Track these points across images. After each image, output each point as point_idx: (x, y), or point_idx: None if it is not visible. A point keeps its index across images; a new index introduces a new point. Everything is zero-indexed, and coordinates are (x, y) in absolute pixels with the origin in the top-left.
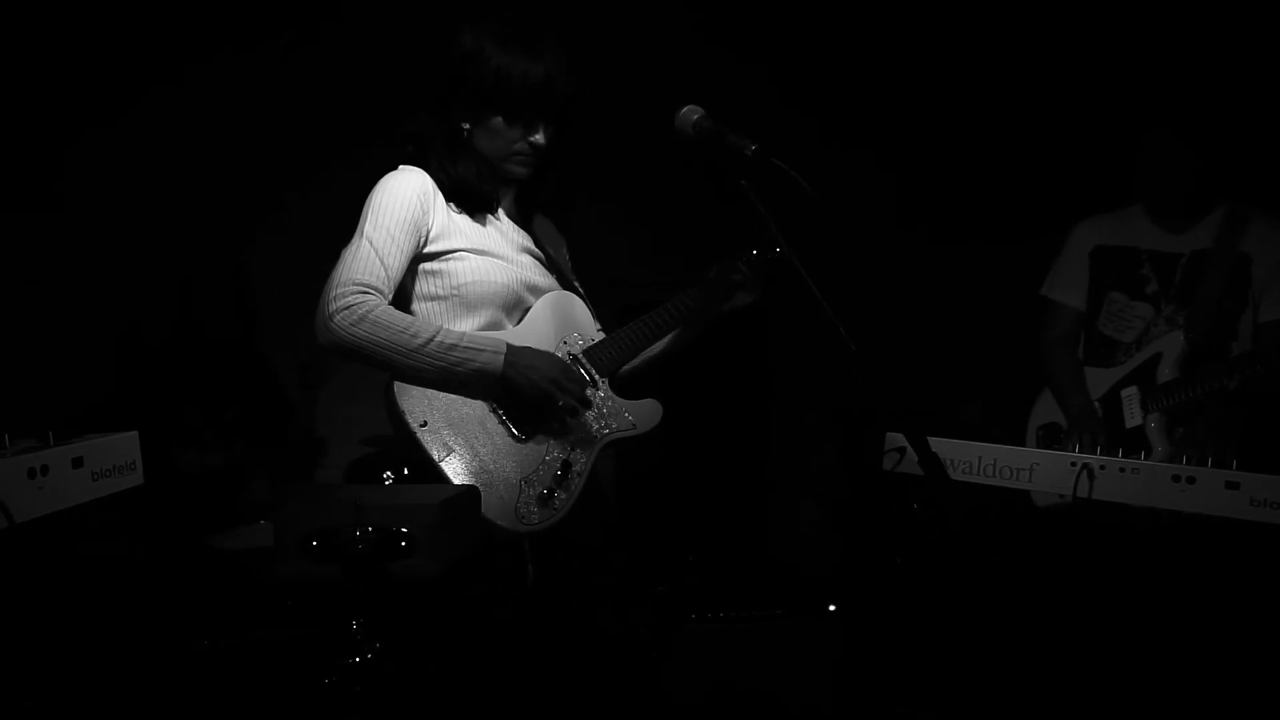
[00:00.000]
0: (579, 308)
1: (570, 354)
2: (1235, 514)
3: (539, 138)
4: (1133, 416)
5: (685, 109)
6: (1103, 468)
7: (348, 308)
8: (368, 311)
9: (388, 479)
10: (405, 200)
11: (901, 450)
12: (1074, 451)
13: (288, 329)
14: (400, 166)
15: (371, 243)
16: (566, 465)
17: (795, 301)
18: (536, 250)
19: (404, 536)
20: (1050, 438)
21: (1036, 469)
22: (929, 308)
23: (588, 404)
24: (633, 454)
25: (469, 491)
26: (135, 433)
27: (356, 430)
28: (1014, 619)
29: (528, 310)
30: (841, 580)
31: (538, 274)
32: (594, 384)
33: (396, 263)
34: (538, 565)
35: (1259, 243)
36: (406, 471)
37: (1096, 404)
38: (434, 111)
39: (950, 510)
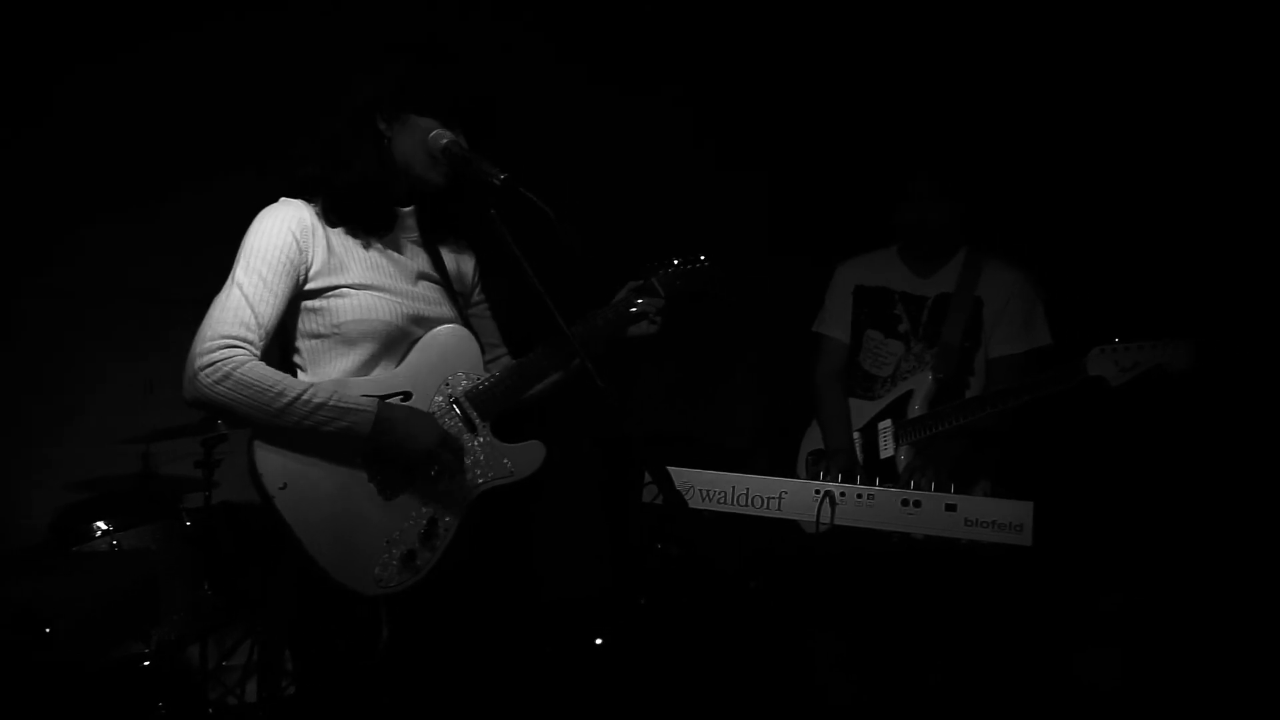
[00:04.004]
0: (465, 343)
1: (452, 396)
2: (954, 533)
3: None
4: (886, 448)
5: (434, 132)
6: (843, 494)
7: (211, 365)
8: (233, 369)
9: (99, 531)
10: (279, 240)
11: None
12: (823, 479)
13: None
14: (280, 200)
15: (242, 289)
16: (433, 522)
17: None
18: (434, 274)
19: (44, 625)
20: (817, 462)
21: (785, 497)
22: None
23: (462, 465)
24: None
25: (145, 580)
26: None
27: (61, 472)
28: (778, 644)
29: (414, 344)
30: (607, 614)
31: (429, 305)
32: (474, 429)
33: (270, 310)
34: (393, 625)
35: (989, 286)
36: (111, 528)
37: (858, 434)
38: (351, 114)
39: (697, 541)
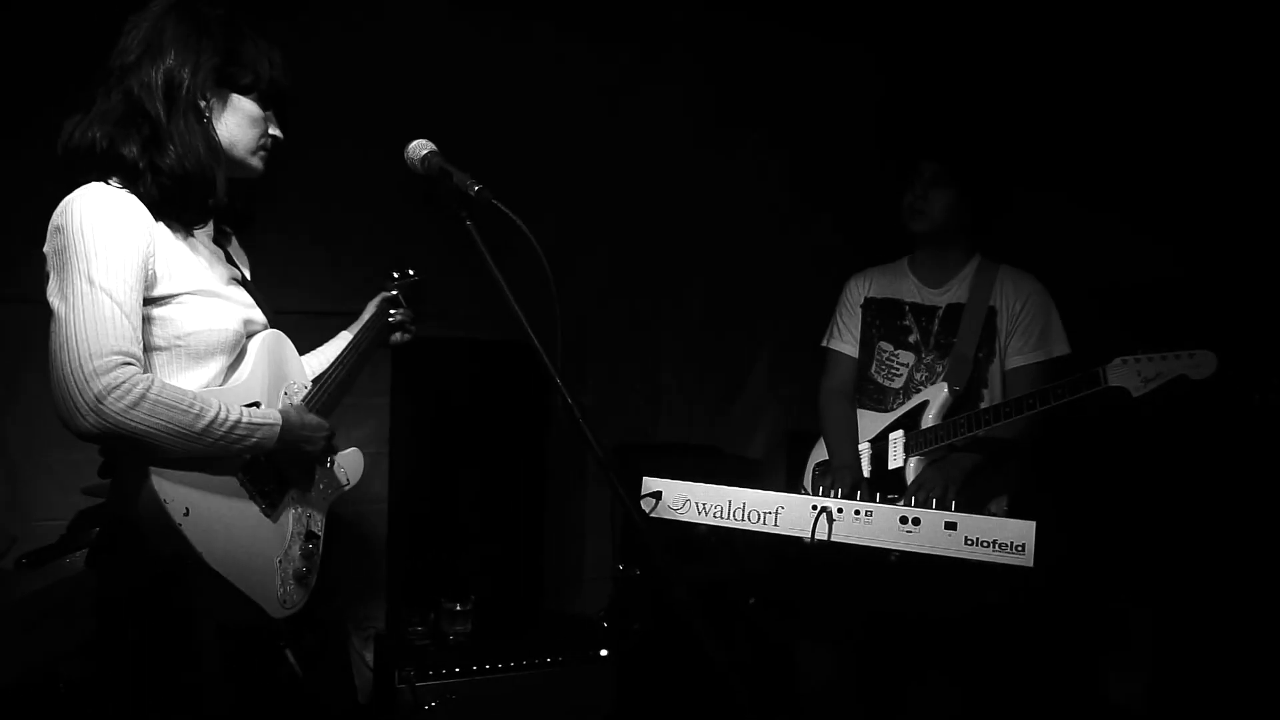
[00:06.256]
0: (291, 349)
1: (293, 405)
2: (954, 552)
3: (279, 131)
4: (895, 459)
5: (415, 143)
6: (840, 511)
7: (118, 387)
8: (146, 389)
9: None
10: (129, 232)
11: (657, 495)
12: (822, 494)
13: None
14: (94, 184)
15: (111, 294)
16: (311, 536)
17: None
18: (239, 275)
19: None
20: (824, 475)
21: (782, 512)
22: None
23: (329, 466)
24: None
25: (67, 584)
26: None
27: (87, 474)
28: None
29: (242, 352)
30: (616, 626)
31: (249, 309)
32: None
33: (139, 318)
34: (293, 647)
35: (1001, 295)
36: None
37: (868, 444)
38: (169, 95)
39: (670, 559)
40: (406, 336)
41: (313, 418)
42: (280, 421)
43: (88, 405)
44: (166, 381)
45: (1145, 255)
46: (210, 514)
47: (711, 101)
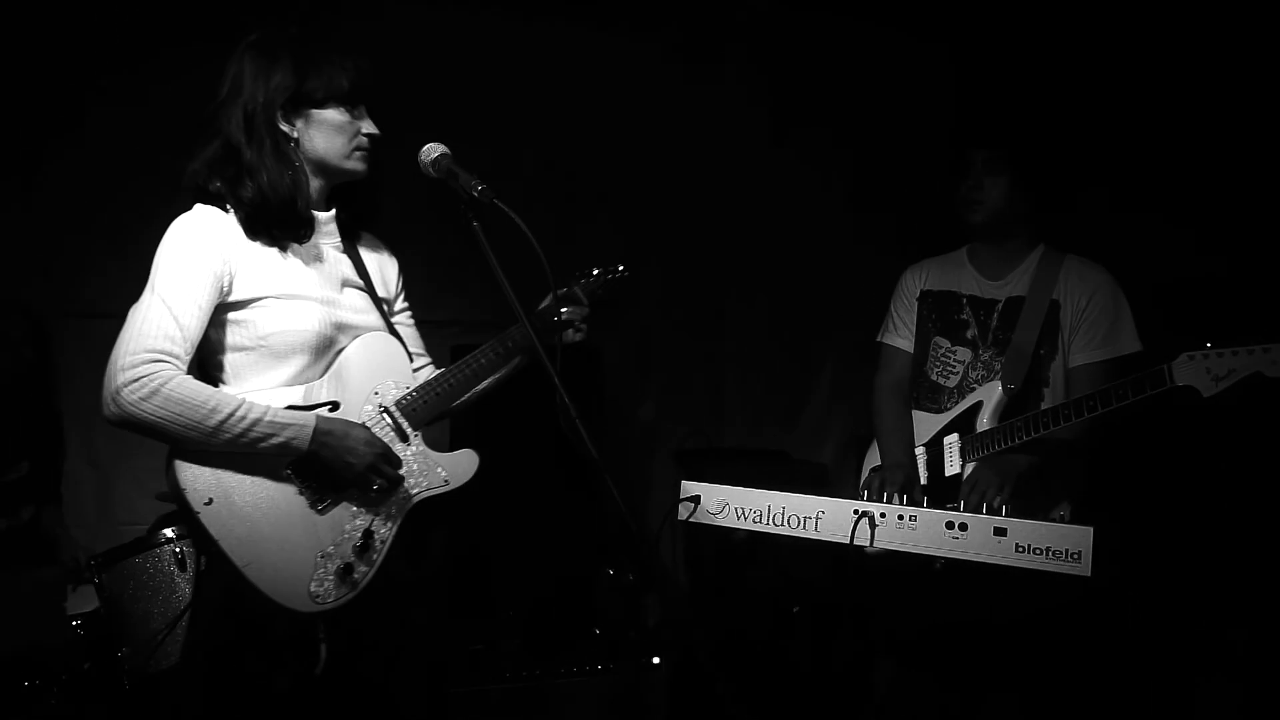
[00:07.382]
0: (393, 351)
1: (382, 405)
2: (1002, 559)
3: (373, 128)
4: (952, 464)
5: (427, 146)
6: (883, 515)
7: (137, 380)
8: (161, 384)
9: (164, 539)
10: (202, 247)
11: (695, 499)
12: (869, 496)
13: (75, 372)
14: (195, 206)
15: (165, 300)
16: (369, 534)
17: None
18: (358, 281)
19: None
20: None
21: (823, 517)
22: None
23: (400, 479)
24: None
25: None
26: None
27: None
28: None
29: (339, 354)
30: (666, 632)
31: (354, 313)
32: (405, 439)
33: (195, 321)
34: (332, 643)
35: (1065, 288)
36: (175, 535)
37: (923, 449)
38: (248, 127)
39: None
40: (578, 336)
41: (363, 432)
42: (313, 424)
43: (110, 395)
44: (242, 380)
45: (1198, 250)
46: (241, 503)
47: (773, 106)
